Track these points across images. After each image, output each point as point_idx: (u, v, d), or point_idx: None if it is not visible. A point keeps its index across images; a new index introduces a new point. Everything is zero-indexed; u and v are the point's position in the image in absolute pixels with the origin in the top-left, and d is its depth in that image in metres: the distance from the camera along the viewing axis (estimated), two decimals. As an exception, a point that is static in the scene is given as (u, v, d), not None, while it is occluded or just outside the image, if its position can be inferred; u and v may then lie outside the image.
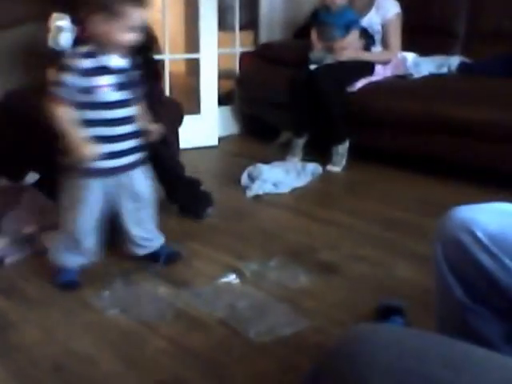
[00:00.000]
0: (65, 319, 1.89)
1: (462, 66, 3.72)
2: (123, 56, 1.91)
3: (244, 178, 3.17)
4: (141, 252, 2.18)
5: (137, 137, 2.00)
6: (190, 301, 1.98)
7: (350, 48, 3.53)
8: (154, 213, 2.16)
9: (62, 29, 2.47)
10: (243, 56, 4.44)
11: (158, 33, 3.23)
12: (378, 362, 0.69)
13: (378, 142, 3.55)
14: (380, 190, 3.18)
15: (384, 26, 3.61)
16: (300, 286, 2.09)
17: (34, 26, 2.85)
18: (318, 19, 3.64)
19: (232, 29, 4.36)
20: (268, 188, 3.10)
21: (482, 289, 1.11)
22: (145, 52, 2.04)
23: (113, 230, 2.56)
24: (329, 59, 3.52)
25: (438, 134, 3.25)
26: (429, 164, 3.38)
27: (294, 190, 3.14)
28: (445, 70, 3.72)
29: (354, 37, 3.53)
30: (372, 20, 3.62)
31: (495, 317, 1.12)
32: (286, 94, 3.61)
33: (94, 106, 1.88)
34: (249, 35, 4.65)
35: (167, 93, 3.85)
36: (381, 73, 3.63)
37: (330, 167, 3.48)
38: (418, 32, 3.87)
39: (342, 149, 3.50)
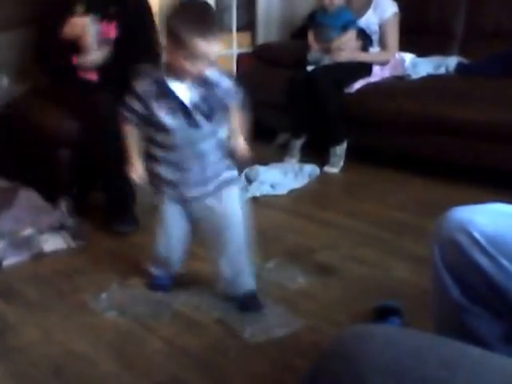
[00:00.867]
0: (63, 321, 1.89)
1: (459, 66, 3.72)
2: (193, 85, 1.82)
3: (241, 180, 3.17)
4: None
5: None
6: (187, 302, 1.98)
7: (346, 48, 3.54)
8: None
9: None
10: (241, 57, 4.45)
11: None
12: (374, 362, 0.70)
13: (376, 142, 3.55)
14: (378, 190, 3.18)
15: (381, 27, 3.62)
16: (298, 286, 2.09)
17: (27, 30, 2.86)
18: (314, 20, 3.64)
19: (229, 30, 4.37)
20: (266, 189, 3.10)
21: (479, 290, 1.11)
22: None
23: (111, 232, 2.57)
24: (326, 60, 3.53)
25: (435, 134, 3.25)
26: (427, 165, 3.38)
27: (292, 192, 3.14)
28: (442, 70, 3.73)
29: (349, 37, 3.53)
30: (369, 20, 3.62)
31: (492, 317, 1.12)
32: (283, 95, 3.61)
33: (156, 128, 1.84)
34: (246, 36, 4.66)
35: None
36: (379, 73, 3.64)
37: (327, 168, 3.48)
38: (416, 32, 3.87)
39: (340, 150, 3.50)
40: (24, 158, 2.77)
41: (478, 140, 3.09)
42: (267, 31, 4.52)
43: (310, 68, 3.53)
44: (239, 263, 1.93)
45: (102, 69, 2.65)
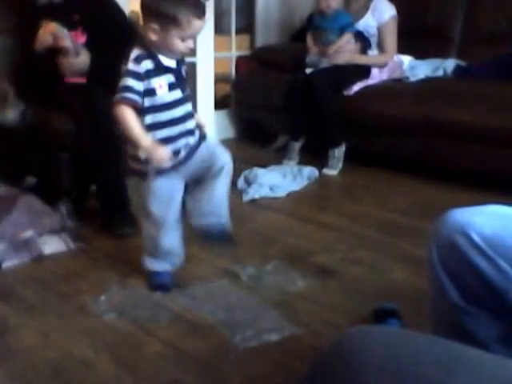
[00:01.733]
0: (63, 324, 1.89)
1: (457, 69, 3.74)
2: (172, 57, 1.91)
3: (240, 182, 3.18)
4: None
5: (193, 133, 2.00)
6: (187, 304, 1.98)
7: (344, 51, 3.55)
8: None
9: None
10: (239, 60, 4.45)
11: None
12: (372, 363, 0.70)
13: (375, 145, 3.56)
14: (376, 193, 3.19)
15: (380, 29, 3.63)
16: (297, 289, 2.09)
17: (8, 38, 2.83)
18: (313, 24, 3.66)
19: (228, 32, 4.37)
20: (264, 192, 3.11)
21: (477, 291, 1.11)
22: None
23: (110, 234, 2.57)
24: (324, 63, 3.54)
25: (434, 137, 3.26)
26: (425, 167, 3.39)
27: (291, 194, 3.15)
28: (440, 73, 3.74)
29: (346, 40, 3.54)
30: (368, 23, 3.63)
31: (490, 319, 1.12)
32: (282, 98, 3.62)
33: (154, 108, 1.88)
34: (245, 39, 4.66)
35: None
36: (377, 76, 3.65)
37: (326, 171, 3.49)
38: (414, 35, 3.89)
39: (339, 152, 3.51)
40: (24, 163, 2.77)
41: (477, 143, 3.10)
42: (266, 34, 4.52)
43: (308, 71, 3.54)
44: (223, 201, 2.06)
45: (90, 72, 2.62)
